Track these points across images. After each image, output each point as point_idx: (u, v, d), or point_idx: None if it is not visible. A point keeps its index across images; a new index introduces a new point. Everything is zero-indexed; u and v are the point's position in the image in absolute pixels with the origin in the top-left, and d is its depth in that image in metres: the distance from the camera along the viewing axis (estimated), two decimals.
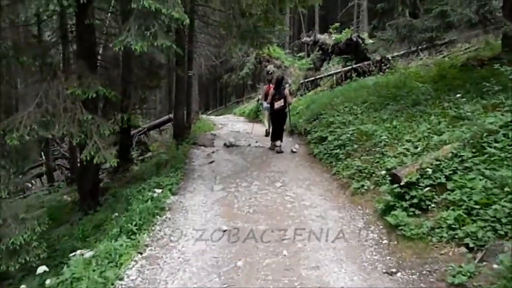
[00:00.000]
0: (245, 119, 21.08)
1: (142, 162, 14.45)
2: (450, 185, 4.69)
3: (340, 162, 7.42)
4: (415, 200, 4.78)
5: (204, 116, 26.25)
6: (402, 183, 4.91)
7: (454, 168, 4.90)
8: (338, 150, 7.80)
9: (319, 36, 19.59)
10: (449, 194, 4.56)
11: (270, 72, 20.86)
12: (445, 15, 7.02)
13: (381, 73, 15.51)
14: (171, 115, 14.15)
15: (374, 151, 6.84)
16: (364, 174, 6.43)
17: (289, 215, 5.45)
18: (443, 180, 4.82)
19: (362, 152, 7.15)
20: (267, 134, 11.80)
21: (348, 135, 7.96)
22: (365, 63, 16.75)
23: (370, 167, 6.51)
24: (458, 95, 6.83)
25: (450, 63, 11.72)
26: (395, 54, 17.08)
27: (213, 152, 10.12)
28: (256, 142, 11.10)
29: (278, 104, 9.46)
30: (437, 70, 10.98)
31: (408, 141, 6.44)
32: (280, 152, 9.52)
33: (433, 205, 4.65)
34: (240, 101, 36.18)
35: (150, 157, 14.26)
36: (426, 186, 4.80)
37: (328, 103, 11.09)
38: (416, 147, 6.05)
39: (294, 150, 9.69)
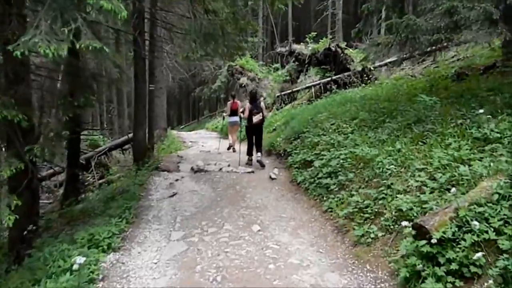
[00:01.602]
0: (218, 134, 19.48)
1: (100, 187, 12.67)
2: (504, 244, 3.25)
3: (332, 196, 5.93)
4: (454, 266, 3.30)
5: (174, 132, 24.59)
6: (433, 240, 3.44)
7: (505, 217, 3.47)
8: (328, 180, 6.31)
9: (295, 46, 18.32)
10: (507, 258, 3.12)
11: (243, 85, 19.50)
12: (454, 12, 5.70)
13: (363, 84, 14.34)
14: (131, 135, 12.39)
15: (377, 182, 5.37)
16: (367, 215, 4.94)
17: (273, 284, 3.87)
18: (491, 234, 3.37)
19: (361, 183, 5.68)
20: (229, 148, 12.37)
21: (340, 160, 6.51)
22: (345, 74, 15.54)
23: (374, 204, 5.04)
24: (481, 110, 5.46)
25: (440, 74, 10.61)
26: (377, 64, 16.00)
27: (177, 180, 8.48)
28: (228, 165, 9.52)
29: (256, 118, 9.09)
30: (429, 82, 9.82)
31: (420, 170, 5.01)
32: (263, 166, 9.13)
33: (486, 275, 3.19)
34: (213, 115, 34.75)
35: (107, 183, 12.47)
36: (469, 245, 3.34)
37: (310, 120, 9.66)
38: (435, 180, 4.63)
39: (273, 176, 8.17)
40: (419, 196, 4.48)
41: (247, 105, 9.33)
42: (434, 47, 6.82)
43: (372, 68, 15.33)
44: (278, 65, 20.77)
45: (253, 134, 9.38)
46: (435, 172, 4.75)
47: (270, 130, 13.15)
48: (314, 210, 6.05)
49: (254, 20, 27.81)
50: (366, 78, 14.83)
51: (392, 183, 5.09)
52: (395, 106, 7.92)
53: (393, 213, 4.58)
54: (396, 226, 4.40)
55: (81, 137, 16.67)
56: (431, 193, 4.48)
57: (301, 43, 18.52)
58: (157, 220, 5.91)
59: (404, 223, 3.75)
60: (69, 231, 6.24)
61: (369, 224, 4.79)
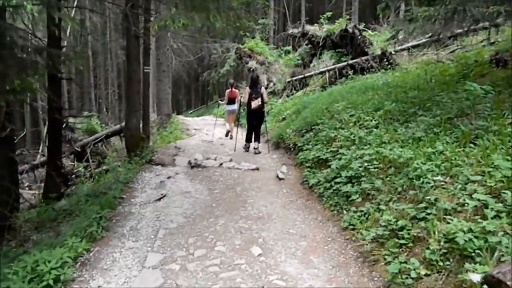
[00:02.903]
0: (225, 121, 18.29)
1: (95, 177, 11.59)
2: None
3: (353, 208, 4.71)
4: None
5: (181, 117, 23.46)
6: None
7: None
8: (348, 187, 5.09)
9: (308, 27, 16.86)
10: None
11: (251, 69, 18.18)
12: None
13: (383, 70, 12.98)
14: (124, 124, 11.20)
15: (414, 195, 4.13)
16: (402, 241, 3.71)
17: None
18: None
19: (391, 195, 4.45)
20: (226, 134, 12.14)
21: (363, 161, 5.27)
22: (363, 58, 14.11)
23: (412, 226, 3.81)
24: None
25: (471, 59, 9.26)
26: (398, 48, 14.60)
27: (169, 178, 7.32)
28: (230, 160, 8.33)
29: (255, 103, 8.91)
30: (460, 68, 8.51)
31: (474, 182, 3.78)
32: (258, 153, 9.03)
33: None
34: (222, 100, 33.46)
35: (99, 174, 11.38)
36: None
37: (325, 109, 8.40)
38: (501, 199, 3.39)
39: (281, 175, 6.96)
40: (480, 222, 3.25)
41: (247, 89, 9.17)
42: (488, 22, 5.44)
43: (393, 52, 13.91)
44: (289, 47, 19.34)
45: (253, 120, 9.22)
46: (499, 188, 3.51)
47: (279, 119, 11.95)
48: (330, 225, 4.84)
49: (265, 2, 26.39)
50: (386, 63, 13.42)
51: (436, 199, 3.84)
52: (427, 96, 6.63)
53: (442, 243, 3.35)
54: (447, 263, 3.19)
55: (76, 123, 15.67)
56: (495, 217, 3.25)
57: (315, 24, 17.06)
58: (134, 234, 4.74)
59: (475, 276, 2.53)
60: (30, 244, 5.17)
61: (406, 255, 3.58)
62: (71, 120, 15.69)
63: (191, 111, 41.62)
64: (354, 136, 6.21)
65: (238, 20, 5.85)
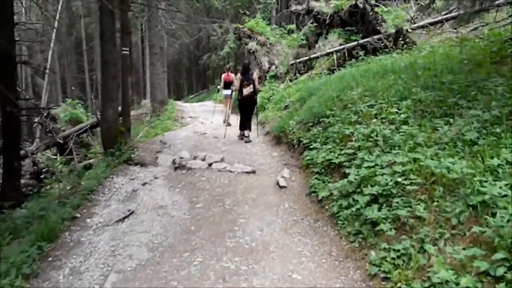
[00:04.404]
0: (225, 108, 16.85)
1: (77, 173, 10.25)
2: None
3: (384, 244, 3.31)
4: None
5: (179, 103, 22.05)
6: None
7: None
8: (375, 210, 3.65)
9: (313, 3, 15.19)
10: None
11: (251, 50, 16.64)
12: None
13: (398, 50, 11.46)
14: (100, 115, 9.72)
15: (483, 234, 2.72)
16: None
17: None
18: None
19: (443, 229, 3.02)
20: (224, 121, 11.77)
21: (394, 173, 3.84)
22: (376, 37, 12.58)
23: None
24: None
25: (501, 36, 7.83)
26: (413, 26, 13.01)
27: (144, 184, 5.93)
28: (222, 160, 6.92)
29: (247, 90, 8.62)
30: (490, 46, 7.06)
31: None
32: (248, 142, 8.69)
33: None
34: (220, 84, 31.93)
35: (78, 172, 10.03)
36: None
37: (335, 98, 6.93)
38: None
39: (282, 183, 5.55)
40: None
41: (238, 76, 8.93)
42: None
43: (409, 30, 12.35)
44: (293, 26, 17.70)
45: (245, 108, 8.96)
46: None
47: (281, 107, 10.48)
48: (351, 266, 3.43)
49: None
50: (402, 42, 11.86)
51: None
52: (468, 81, 5.15)
53: None
54: None
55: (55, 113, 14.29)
56: None
57: (321, 0, 15.41)
58: (73, 282, 3.34)
59: None
60: None
61: None
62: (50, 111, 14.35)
63: (192, 96, 40.20)
64: (376, 135, 4.76)
65: None
